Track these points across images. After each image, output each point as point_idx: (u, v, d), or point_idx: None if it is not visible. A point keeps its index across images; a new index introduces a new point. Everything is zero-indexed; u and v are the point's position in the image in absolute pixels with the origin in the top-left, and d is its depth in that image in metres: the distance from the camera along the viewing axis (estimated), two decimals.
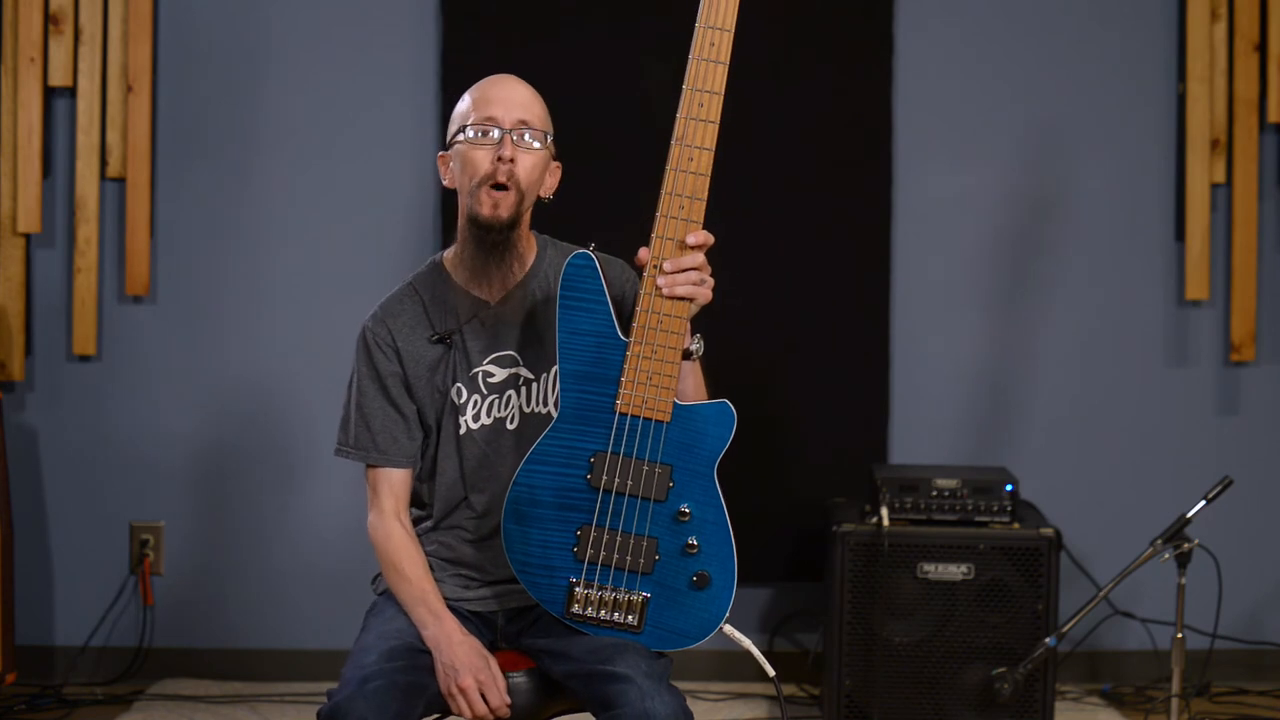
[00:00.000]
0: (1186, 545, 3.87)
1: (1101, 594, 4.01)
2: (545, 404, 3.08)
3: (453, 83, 4.76)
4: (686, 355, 2.90)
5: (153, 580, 4.90)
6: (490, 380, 3.10)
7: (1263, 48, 4.86)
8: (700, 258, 2.85)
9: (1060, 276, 4.94)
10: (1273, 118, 4.86)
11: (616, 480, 2.88)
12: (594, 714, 2.89)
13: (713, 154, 2.84)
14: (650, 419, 2.87)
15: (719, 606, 2.91)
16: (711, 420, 2.89)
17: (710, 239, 2.86)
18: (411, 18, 4.86)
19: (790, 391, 4.89)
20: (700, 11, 2.85)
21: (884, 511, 4.30)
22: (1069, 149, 4.92)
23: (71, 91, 4.81)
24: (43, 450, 4.88)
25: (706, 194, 2.84)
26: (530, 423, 3.06)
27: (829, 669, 4.36)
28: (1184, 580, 3.90)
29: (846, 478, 4.76)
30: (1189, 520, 3.89)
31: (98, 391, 4.87)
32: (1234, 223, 4.89)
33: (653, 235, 2.84)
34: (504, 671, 3.00)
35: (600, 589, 2.91)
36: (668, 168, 2.84)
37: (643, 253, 2.86)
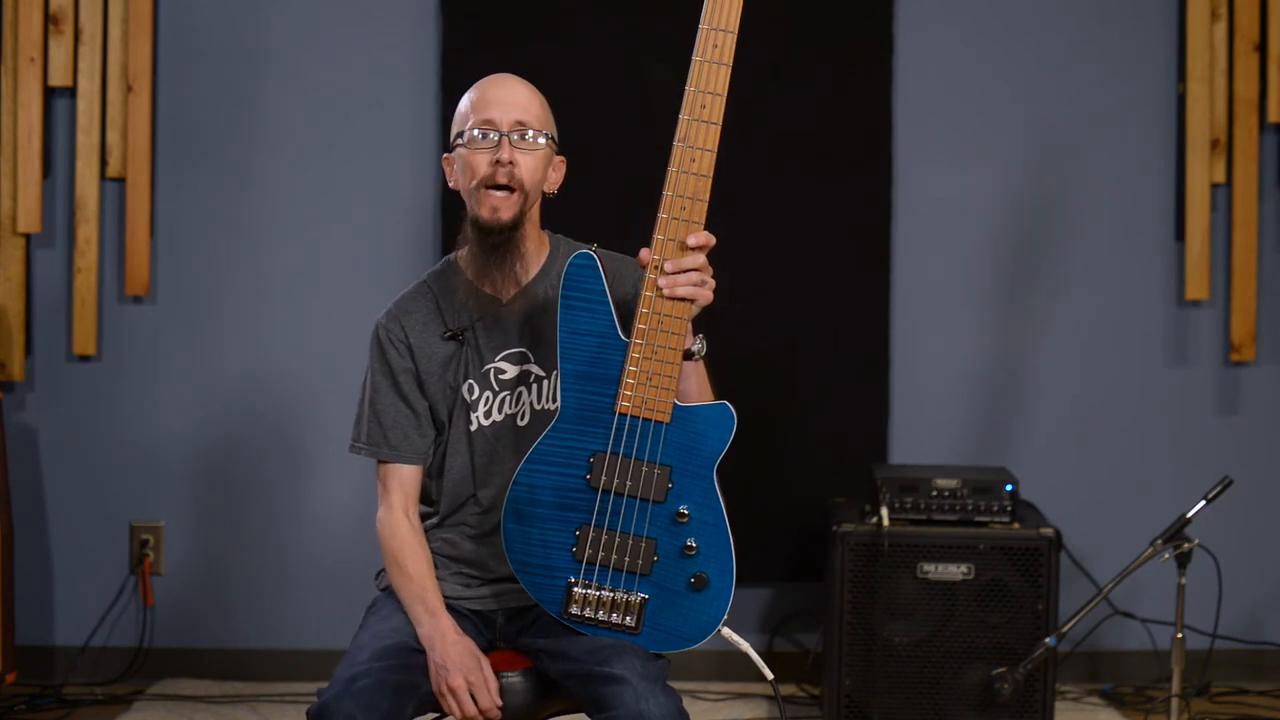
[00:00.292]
0: (1186, 545, 3.87)
1: (1101, 594, 4.01)
2: (555, 401, 3.08)
3: (453, 83, 4.76)
4: (688, 356, 2.90)
5: (153, 580, 4.90)
6: (502, 377, 3.10)
7: (1263, 48, 4.86)
8: (701, 259, 2.85)
9: (1060, 276, 4.94)
10: (1273, 118, 4.86)
11: (616, 481, 2.88)
12: (589, 715, 2.89)
13: (715, 155, 2.84)
14: (650, 420, 2.87)
15: (717, 608, 2.91)
16: (711, 422, 2.89)
17: (711, 240, 2.86)
18: (411, 18, 4.86)
19: (790, 391, 4.89)
20: (704, 12, 2.84)
21: (884, 511, 4.30)
22: (1069, 149, 4.92)
23: (71, 91, 4.81)
24: (43, 450, 4.88)
25: (708, 195, 2.84)
26: (541, 420, 3.06)
27: (829, 669, 4.36)
28: (1184, 580, 3.90)
29: (846, 478, 4.76)
30: (1189, 520, 3.89)
31: (98, 391, 4.88)
32: (1234, 223, 4.89)
33: (654, 236, 2.85)
34: (501, 671, 3.00)
35: (599, 589, 2.91)
36: (669, 168, 2.84)
37: (644, 253, 2.86)
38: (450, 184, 3.14)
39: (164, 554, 4.91)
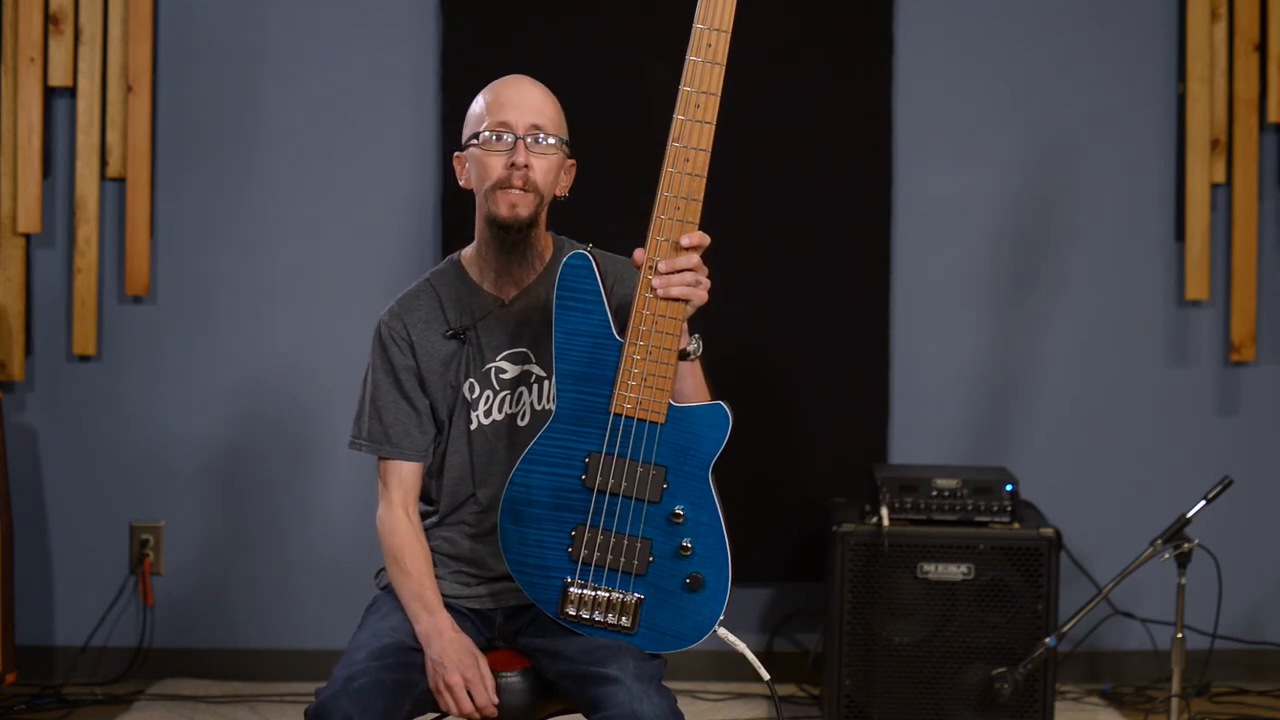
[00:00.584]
0: (1186, 545, 3.87)
1: (1101, 594, 4.01)
2: (555, 402, 3.09)
3: (453, 83, 4.76)
4: (684, 356, 2.90)
5: (153, 580, 4.91)
6: (503, 376, 3.11)
7: (1263, 48, 4.85)
8: (695, 259, 2.85)
9: (1060, 276, 4.94)
10: (1273, 118, 4.86)
11: (611, 481, 2.89)
12: (585, 715, 2.89)
13: (709, 155, 2.84)
14: (645, 420, 2.87)
15: (713, 609, 2.91)
16: (706, 422, 2.89)
17: (706, 240, 2.86)
18: (411, 18, 4.86)
19: (790, 392, 4.89)
20: (697, 11, 2.84)
21: (884, 511, 4.30)
22: (1069, 149, 4.92)
23: (71, 91, 4.81)
24: (43, 450, 4.89)
25: (703, 195, 2.84)
26: (541, 420, 3.06)
27: (829, 669, 4.36)
28: (1184, 580, 3.90)
29: (846, 478, 4.76)
30: (1189, 520, 3.89)
31: (98, 391, 4.88)
32: (1234, 223, 4.89)
33: (648, 236, 2.84)
34: (500, 671, 3.00)
35: (595, 590, 2.92)
36: (664, 168, 2.84)
37: (638, 253, 2.86)
38: (461, 183, 3.14)
39: (164, 554, 4.91)
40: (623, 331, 2.87)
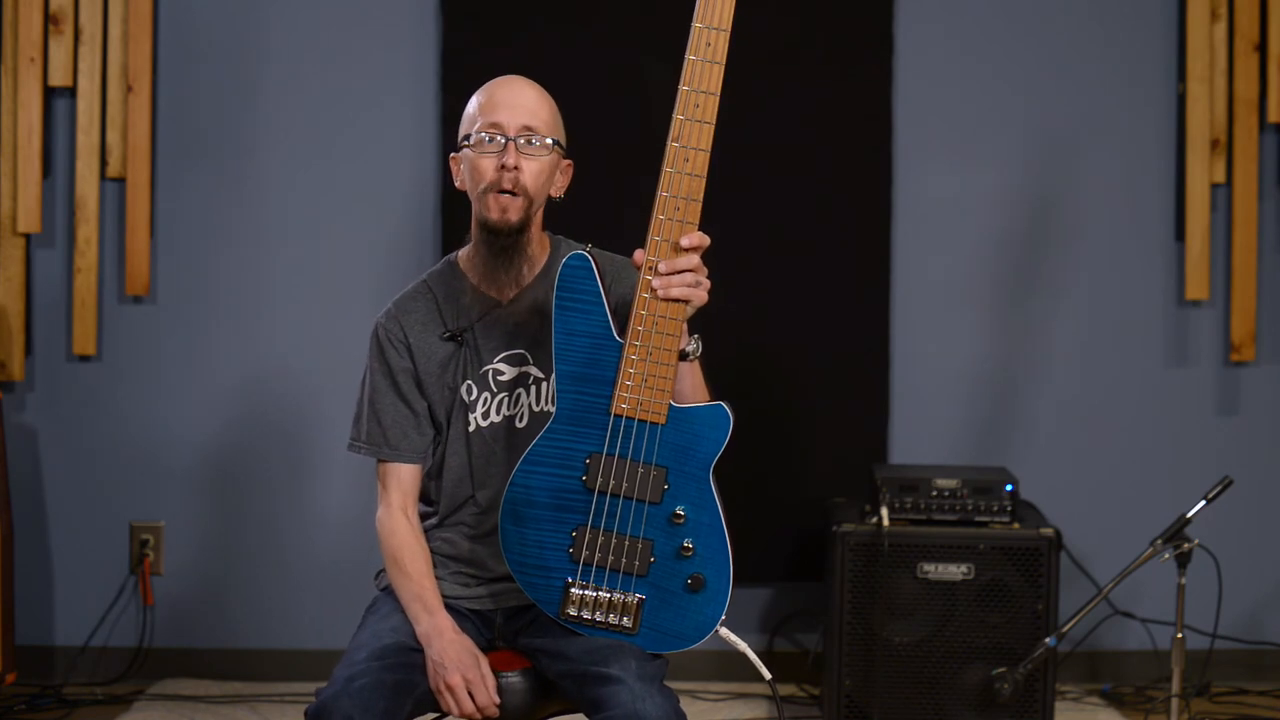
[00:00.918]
0: (1186, 545, 3.87)
1: (1101, 594, 4.01)
2: (553, 403, 3.08)
3: (453, 83, 4.76)
4: (683, 357, 2.90)
5: (153, 580, 4.90)
6: (500, 378, 3.11)
7: (1263, 48, 4.85)
8: (695, 259, 2.85)
9: (1060, 276, 4.94)
10: (1273, 118, 4.86)
11: (611, 482, 2.88)
12: (586, 715, 2.89)
13: (709, 155, 2.83)
14: (646, 421, 2.87)
15: (715, 609, 2.91)
16: (707, 423, 2.89)
17: (705, 240, 2.85)
18: (411, 18, 4.86)
19: (790, 392, 4.89)
20: (696, 10, 2.84)
21: (884, 511, 4.30)
22: (1069, 149, 4.92)
23: (71, 91, 4.81)
24: (43, 450, 4.89)
25: (702, 195, 2.84)
26: (539, 421, 3.06)
27: (829, 669, 4.36)
28: (1184, 580, 3.90)
29: (846, 478, 4.76)
30: (1189, 520, 3.89)
31: (98, 391, 4.88)
32: (1234, 223, 4.89)
33: (648, 236, 2.84)
34: (499, 671, 3.00)
35: (596, 590, 2.92)
36: (664, 168, 2.83)
37: (638, 254, 2.85)
38: (456, 184, 3.13)
39: (164, 554, 4.91)
40: (622, 332, 2.87)
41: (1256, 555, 4.94)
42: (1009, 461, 4.81)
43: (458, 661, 2.95)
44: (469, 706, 2.95)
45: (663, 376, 2.86)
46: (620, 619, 2.91)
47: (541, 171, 3.05)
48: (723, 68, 2.84)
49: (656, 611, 2.91)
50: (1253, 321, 4.90)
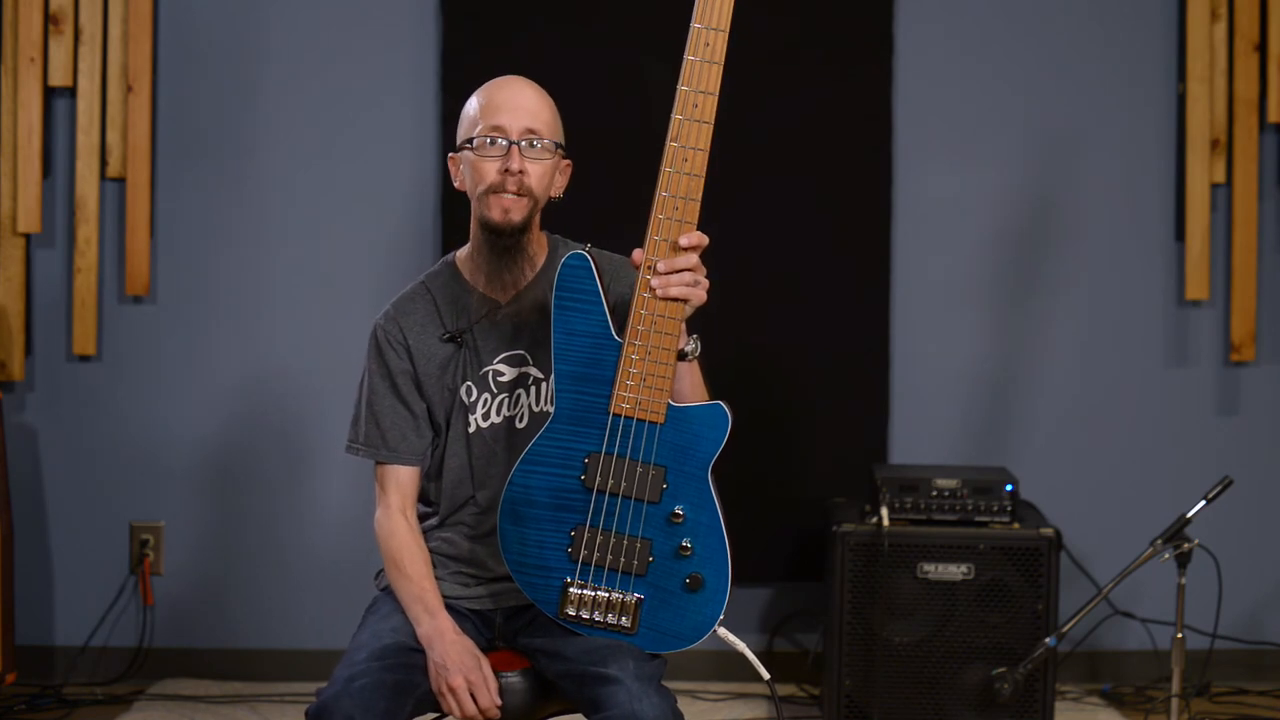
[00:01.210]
0: (1186, 545, 3.87)
1: (1101, 594, 4.01)
2: (553, 403, 3.08)
3: (453, 83, 4.76)
4: (682, 357, 2.89)
5: (153, 580, 4.91)
6: (500, 379, 3.10)
7: (1263, 48, 4.85)
8: (694, 259, 2.85)
9: (1060, 276, 4.94)
10: (1273, 118, 4.86)
11: (610, 481, 2.88)
12: (585, 715, 2.89)
13: (707, 154, 2.83)
14: (644, 420, 2.87)
15: (713, 609, 2.91)
16: (706, 422, 2.89)
17: (704, 240, 2.85)
18: (411, 18, 4.86)
19: (790, 392, 4.89)
20: (694, 10, 2.84)
21: (884, 511, 4.30)
22: (1069, 149, 4.92)
23: (71, 91, 4.81)
24: (43, 450, 4.89)
25: (701, 194, 2.83)
26: (539, 422, 3.06)
27: (829, 669, 4.36)
28: (1184, 580, 3.90)
29: (846, 478, 4.76)
30: (1189, 520, 3.89)
31: (98, 391, 4.88)
32: (1234, 223, 4.89)
33: (647, 236, 2.84)
34: (499, 671, 3.00)
35: (594, 590, 2.91)
36: (662, 168, 2.83)
37: (637, 254, 2.85)
38: (455, 184, 3.13)
39: (164, 554, 4.91)
40: (621, 331, 2.87)
41: (1256, 555, 4.94)
42: (1009, 461, 4.81)
43: (460, 663, 2.95)
44: (471, 708, 2.94)
45: (661, 376, 2.86)
46: (619, 619, 2.91)
47: (545, 174, 3.05)
48: (721, 68, 2.84)
49: (655, 611, 2.91)
50: (1253, 321, 4.90)
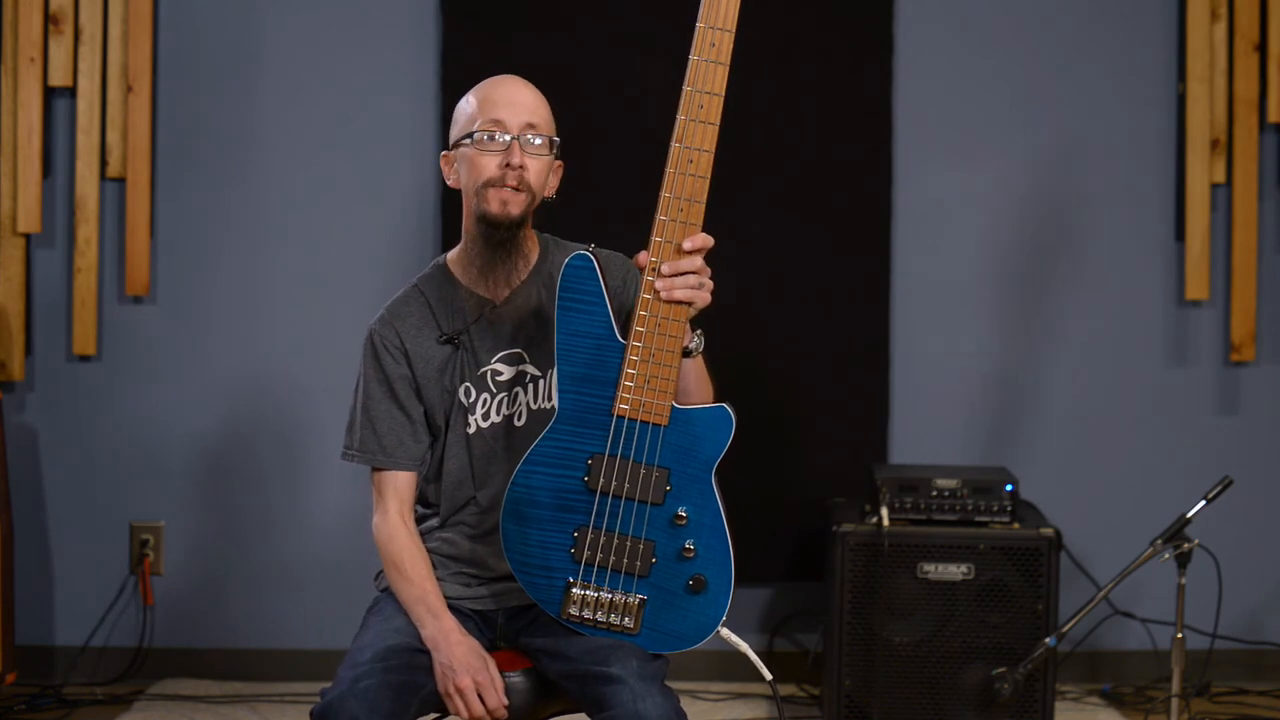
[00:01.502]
0: (1186, 545, 3.87)
1: (1101, 594, 4.01)
2: (550, 399, 3.08)
3: (453, 83, 4.76)
4: (686, 353, 2.89)
5: (153, 580, 4.90)
6: (498, 379, 3.10)
7: (1263, 48, 4.85)
8: (698, 261, 2.85)
9: (1060, 276, 4.94)
10: (1273, 118, 4.86)
11: (614, 483, 2.88)
12: (588, 714, 2.90)
13: (713, 156, 2.83)
14: (648, 422, 2.87)
15: (716, 610, 2.91)
16: (710, 424, 2.89)
17: (709, 242, 2.85)
18: (411, 18, 4.86)
19: (790, 392, 4.89)
20: (700, 11, 2.83)
21: (884, 511, 4.30)
22: (1068, 148, 4.92)
23: (71, 91, 4.81)
24: (43, 450, 4.88)
25: (706, 196, 2.83)
26: (537, 419, 3.06)
27: (829, 669, 4.36)
28: (1184, 580, 3.90)
29: (846, 478, 4.76)
30: (1189, 520, 3.89)
31: (98, 391, 4.88)
32: (1234, 223, 4.89)
33: (651, 238, 2.84)
34: (502, 671, 3.00)
35: (597, 590, 2.91)
36: (667, 169, 2.83)
37: (641, 256, 2.85)
38: (449, 182, 3.13)
39: (164, 554, 4.91)
40: (625, 333, 2.87)
41: (1256, 555, 4.94)
42: (1009, 461, 4.81)
43: (466, 664, 2.95)
44: (479, 709, 2.94)
45: (665, 378, 2.86)
46: (622, 619, 2.91)
47: (542, 170, 3.05)
48: (727, 69, 2.83)
49: (658, 612, 2.91)
50: (1253, 321, 4.90)
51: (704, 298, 2.86)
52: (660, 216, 2.83)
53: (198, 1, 4.84)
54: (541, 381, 3.10)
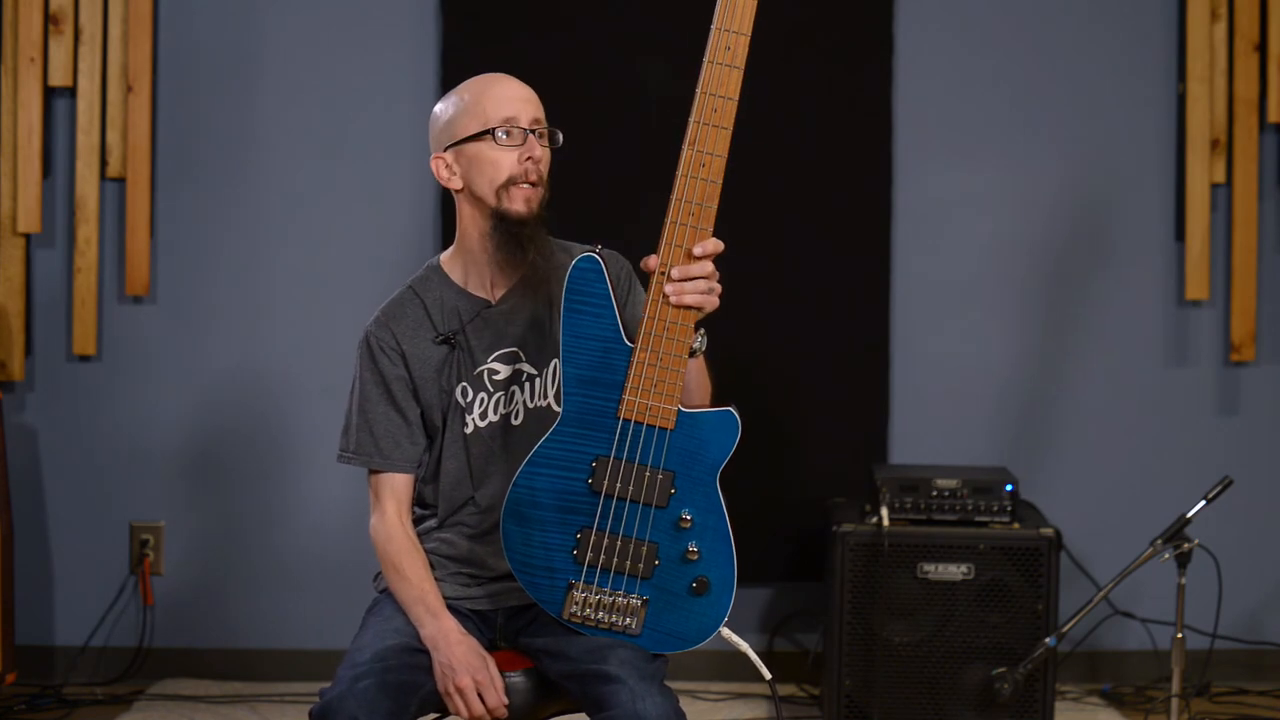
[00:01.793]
0: (1186, 545, 3.87)
1: (1101, 594, 4.01)
2: (546, 397, 3.08)
3: (453, 83, 4.69)
4: (690, 353, 2.89)
5: (153, 580, 4.90)
6: (495, 378, 3.10)
7: (1263, 48, 4.86)
8: (709, 266, 2.84)
9: (1060, 276, 4.94)
10: (1273, 118, 4.86)
11: (618, 485, 2.88)
12: (588, 714, 2.89)
13: (725, 160, 2.81)
14: (654, 426, 2.87)
15: (718, 611, 2.91)
16: (716, 428, 2.88)
17: (719, 247, 2.84)
18: (411, 18, 4.85)
19: (790, 392, 4.89)
20: (716, 14, 2.82)
21: (884, 511, 4.30)
22: (1068, 149, 4.93)
23: (71, 91, 4.81)
24: (43, 450, 4.88)
25: (718, 200, 2.81)
26: (535, 417, 3.06)
27: (829, 669, 4.36)
28: (1184, 580, 3.91)
29: (846, 478, 4.76)
30: (1189, 520, 3.90)
31: (98, 391, 4.87)
32: (1234, 223, 4.89)
33: (661, 241, 2.82)
34: (502, 671, 3.00)
35: (599, 592, 2.91)
36: (679, 173, 2.81)
37: (650, 259, 2.84)
38: (448, 185, 3.11)
39: (164, 554, 4.91)
40: (631, 335, 2.87)
41: (1256, 555, 4.95)
42: (1009, 461, 4.81)
43: (466, 663, 2.95)
44: (479, 709, 2.94)
45: (672, 383, 2.85)
46: (624, 620, 2.91)
47: (549, 163, 3.07)
48: (742, 72, 2.82)
49: (660, 613, 2.91)
50: (1253, 321, 4.90)
51: (713, 302, 2.86)
52: (671, 220, 2.82)
53: (198, 1, 4.84)
54: (537, 380, 3.10)
